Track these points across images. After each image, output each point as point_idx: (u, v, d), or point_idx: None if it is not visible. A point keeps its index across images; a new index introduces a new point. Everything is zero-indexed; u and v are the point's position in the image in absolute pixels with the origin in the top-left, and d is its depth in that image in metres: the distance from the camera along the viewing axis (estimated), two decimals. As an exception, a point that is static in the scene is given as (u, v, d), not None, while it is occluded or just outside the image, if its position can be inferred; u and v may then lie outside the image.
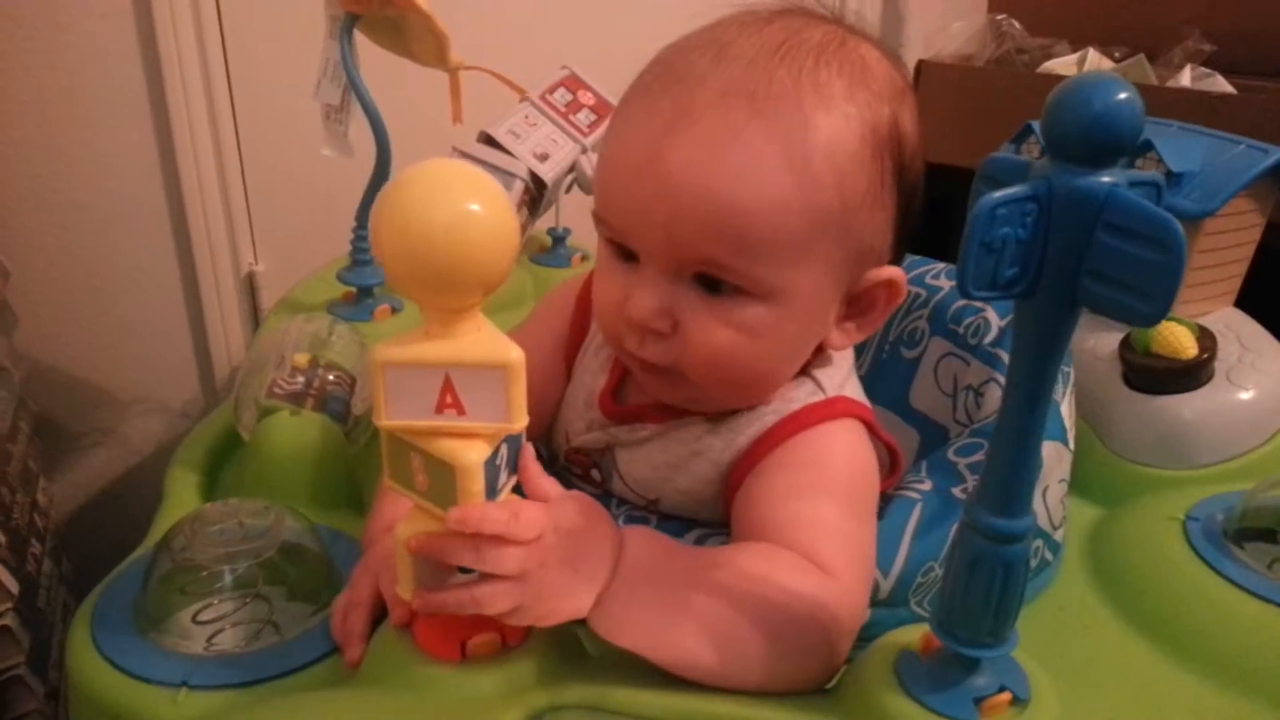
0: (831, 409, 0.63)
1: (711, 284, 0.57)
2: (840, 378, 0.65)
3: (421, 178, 0.43)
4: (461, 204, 0.42)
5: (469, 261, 0.43)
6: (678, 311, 0.58)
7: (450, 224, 0.42)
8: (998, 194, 0.37)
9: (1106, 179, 0.37)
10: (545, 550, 0.49)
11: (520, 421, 0.47)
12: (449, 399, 0.46)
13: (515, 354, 0.46)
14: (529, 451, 0.52)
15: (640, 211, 0.57)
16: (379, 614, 0.56)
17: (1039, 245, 0.38)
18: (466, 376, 0.46)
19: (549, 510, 0.50)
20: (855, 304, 0.62)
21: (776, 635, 0.52)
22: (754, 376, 0.61)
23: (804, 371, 0.64)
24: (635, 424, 0.66)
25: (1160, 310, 0.36)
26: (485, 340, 0.46)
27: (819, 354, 0.65)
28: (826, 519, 0.57)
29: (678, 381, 0.61)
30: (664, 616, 0.51)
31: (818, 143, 0.55)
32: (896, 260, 0.64)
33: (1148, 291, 0.36)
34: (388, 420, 0.47)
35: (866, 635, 0.56)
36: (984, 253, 0.38)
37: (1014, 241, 0.38)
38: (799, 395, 0.63)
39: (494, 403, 0.46)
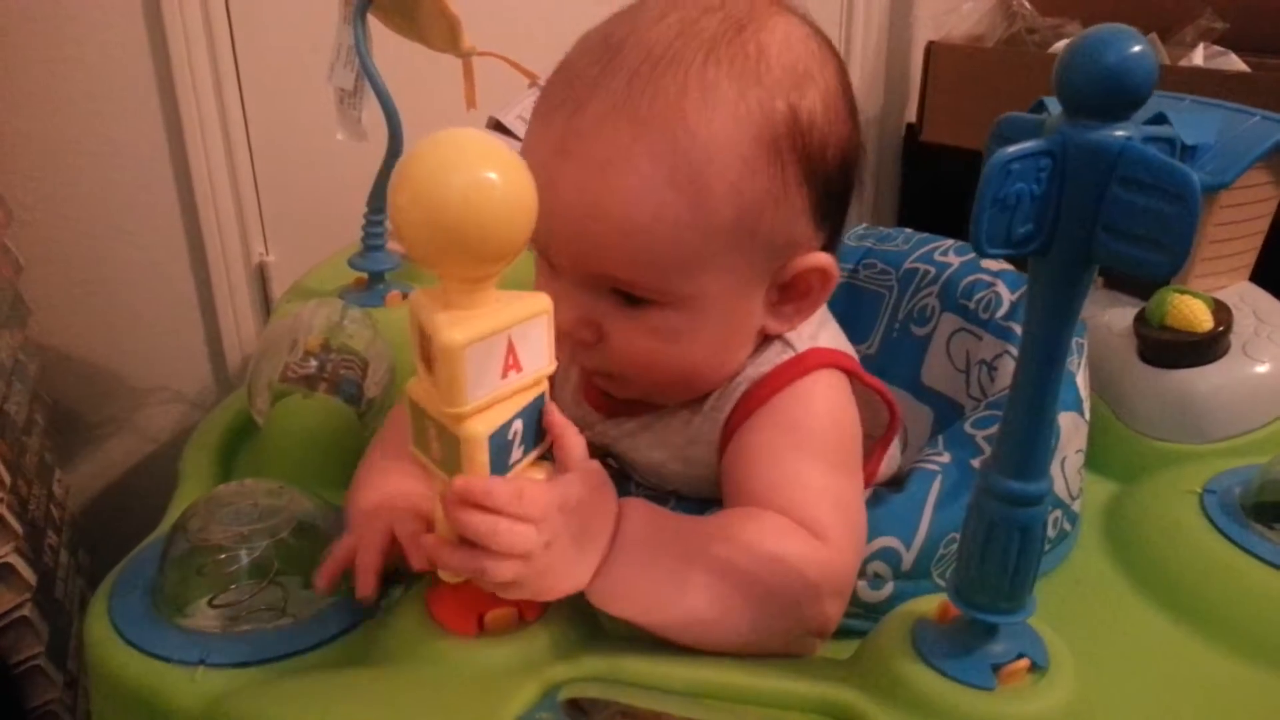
0: (803, 364, 0.62)
1: (627, 295, 0.57)
2: (810, 330, 0.64)
3: (437, 146, 0.43)
4: (478, 171, 0.42)
5: (487, 228, 0.42)
6: (600, 321, 0.58)
7: (467, 190, 0.42)
8: (1010, 149, 0.37)
9: (1120, 133, 0.37)
10: (551, 530, 0.49)
11: (553, 361, 0.49)
12: (512, 360, 0.47)
13: (546, 296, 0.48)
14: (554, 410, 0.51)
15: (545, 230, 0.57)
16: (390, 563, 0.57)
17: (1053, 201, 0.38)
18: (522, 332, 0.47)
19: (556, 489, 0.50)
20: (789, 290, 0.61)
21: (763, 599, 0.52)
22: (687, 375, 0.61)
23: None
24: (621, 418, 0.66)
25: (1177, 262, 0.36)
26: (515, 296, 0.47)
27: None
28: (811, 480, 0.57)
29: (621, 383, 0.61)
30: (654, 584, 0.52)
31: (705, 155, 0.54)
32: (830, 243, 0.62)
33: (1164, 244, 0.36)
34: (471, 404, 0.45)
35: (888, 608, 0.56)
36: (998, 209, 0.37)
37: (1028, 197, 0.38)
38: (769, 357, 0.63)
39: (538, 350, 0.48)
